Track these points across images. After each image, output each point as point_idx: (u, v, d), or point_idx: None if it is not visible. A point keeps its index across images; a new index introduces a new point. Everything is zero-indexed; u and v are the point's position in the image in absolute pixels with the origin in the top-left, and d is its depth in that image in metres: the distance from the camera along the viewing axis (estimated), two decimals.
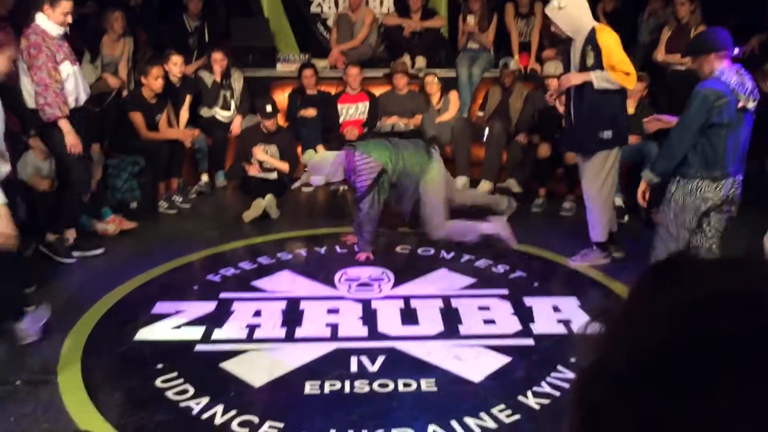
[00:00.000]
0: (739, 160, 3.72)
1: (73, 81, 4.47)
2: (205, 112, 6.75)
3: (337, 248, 5.11)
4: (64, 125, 4.43)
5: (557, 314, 4.02)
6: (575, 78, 4.43)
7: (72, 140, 4.45)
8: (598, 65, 4.31)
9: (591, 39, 4.34)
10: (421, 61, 7.34)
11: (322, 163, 4.98)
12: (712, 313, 0.47)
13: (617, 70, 4.27)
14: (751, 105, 3.61)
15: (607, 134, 4.33)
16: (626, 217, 5.54)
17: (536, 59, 7.33)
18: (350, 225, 5.24)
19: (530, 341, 3.71)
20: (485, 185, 6.42)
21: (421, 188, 4.85)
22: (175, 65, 6.28)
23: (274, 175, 6.19)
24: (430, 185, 4.85)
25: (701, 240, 3.81)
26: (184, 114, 6.46)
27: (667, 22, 6.52)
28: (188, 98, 6.46)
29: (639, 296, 0.53)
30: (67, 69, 4.42)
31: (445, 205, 4.93)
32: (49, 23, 4.40)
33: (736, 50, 3.82)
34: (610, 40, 4.33)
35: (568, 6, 4.36)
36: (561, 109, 5.22)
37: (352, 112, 6.87)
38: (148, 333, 3.79)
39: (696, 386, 0.46)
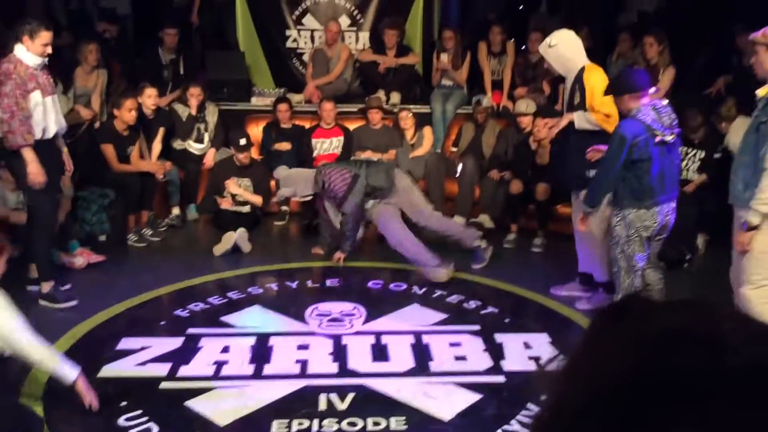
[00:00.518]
0: (669, 187, 3.93)
1: (42, 111, 4.39)
2: (178, 144, 6.72)
3: (309, 282, 5.07)
4: (27, 154, 4.32)
5: (528, 351, 4.01)
6: (563, 122, 4.51)
7: (33, 170, 4.33)
8: (584, 105, 4.35)
9: (579, 78, 4.39)
10: (395, 96, 7.41)
11: (292, 177, 5.34)
12: (672, 348, 0.47)
13: (598, 111, 4.29)
14: (670, 138, 3.81)
15: (593, 173, 4.24)
16: None
17: (508, 97, 7.42)
18: (319, 244, 5.55)
19: (501, 378, 3.69)
20: (458, 221, 6.43)
21: (376, 209, 5.14)
22: (149, 98, 6.26)
23: (246, 209, 6.16)
24: (382, 208, 5.12)
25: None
26: (157, 146, 6.42)
27: (636, 63, 6.65)
28: (161, 131, 6.43)
29: (597, 333, 0.53)
30: (36, 98, 4.35)
31: (400, 225, 5.15)
32: (28, 54, 4.34)
33: (653, 89, 3.98)
34: (595, 80, 4.35)
35: (559, 45, 4.41)
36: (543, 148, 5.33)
37: (327, 146, 6.88)
38: (112, 370, 3.71)
39: (654, 422, 0.45)
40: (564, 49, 4.41)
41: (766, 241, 3.33)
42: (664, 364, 0.47)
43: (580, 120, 4.39)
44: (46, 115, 4.43)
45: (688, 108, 5.78)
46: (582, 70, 4.39)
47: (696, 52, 7.43)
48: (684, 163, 5.85)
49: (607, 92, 4.14)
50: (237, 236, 5.63)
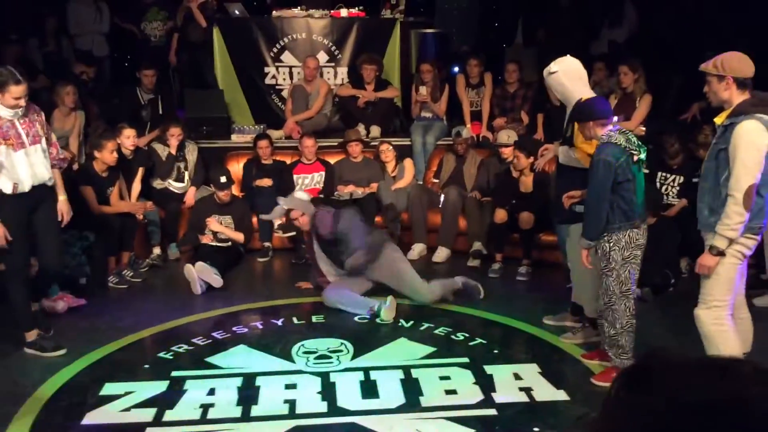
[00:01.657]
0: (646, 205, 4.03)
1: (11, 165, 4.19)
2: (158, 184, 6.68)
3: (295, 319, 5.01)
4: None
5: (518, 382, 3.97)
6: (549, 154, 4.56)
7: None
8: (572, 139, 4.29)
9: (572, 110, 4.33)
10: (375, 130, 7.44)
11: (293, 199, 5.46)
12: (700, 423, 0.45)
13: (580, 148, 4.24)
14: (643, 156, 3.88)
15: (580, 208, 4.19)
16: None
17: (488, 127, 7.49)
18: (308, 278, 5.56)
19: (493, 411, 3.64)
20: (442, 252, 6.43)
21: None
22: (128, 138, 6.23)
23: (227, 244, 6.12)
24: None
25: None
26: (137, 186, 6.37)
27: (612, 92, 6.75)
28: (141, 171, 6.39)
29: (620, 405, 0.51)
30: (1, 155, 4.16)
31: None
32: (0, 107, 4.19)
33: (615, 118, 4.07)
34: None
35: (560, 72, 4.31)
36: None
37: (308, 181, 6.88)
38: (96, 416, 3.60)
39: None
40: (564, 77, 4.32)
41: (724, 264, 3.41)
42: None
43: (562, 155, 4.39)
44: (15, 168, 4.21)
45: (665, 135, 5.86)
46: (579, 102, 4.24)
47: (670, 79, 7.57)
48: (663, 188, 5.91)
49: (572, 119, 4.18)
50: (197, 269, 5.54)
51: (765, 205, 3.37)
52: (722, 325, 3.49)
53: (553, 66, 4.34)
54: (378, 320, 4.93)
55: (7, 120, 4.21)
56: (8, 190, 4.23)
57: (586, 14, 8.57)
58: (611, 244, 3.87)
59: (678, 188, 5.84)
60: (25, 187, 4.29)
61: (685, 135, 6.15)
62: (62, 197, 4.56)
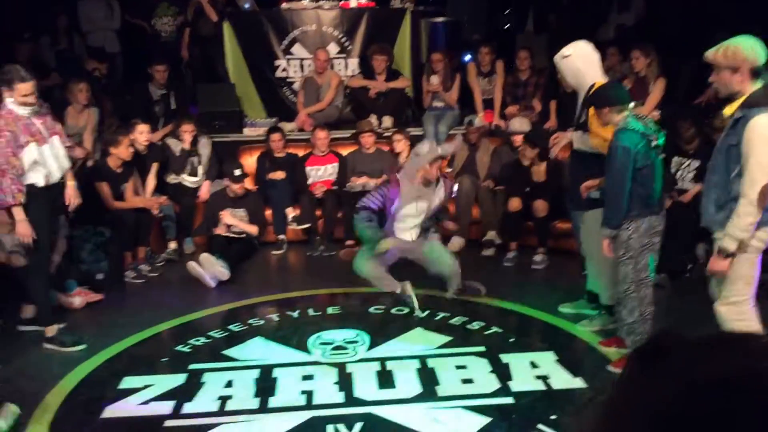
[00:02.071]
0: (663, 191, 4.00)
1: (42, 160, 4.34)
2: (172, 178, 6.70)
3: (310, 311, 5.02)
4: (17, 213, 4.26)
5: (535, 370, 3.96)
6: (563, 141, 4.48)
7: (21, 230, 4.25)
8: (587, 124, 4.23)
9: (587, 96, 4.28)
10: (387, 120, 7.43)
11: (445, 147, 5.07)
12: (712, 396, 0.45)
13: (596, 134, 4.17)
14: (661, 141, 3.85)
15: (596, 194, 4.19)
16: None
17: (500, 116, 7.46)
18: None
19: (509, 399, 3.64)
20: (457, 241, 6.42)
21: None
22: (141, 134, 6.26)
23: (241, 235, 6.15)
24: None
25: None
26: (151, 182, 6.41)
27: (626, 76, 6.70)
28: (155, 166, 6.42)
29: (633, 380, 0.51)
30: (32, 152, 4.27)
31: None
32: (16, 104, 4.27)
33: (632, 104, 3.98)
34: None
35: (574, 56, 4.28)
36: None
37: (321, 173, 6.88)
38: (115, 410, 3.64)
39: None
40: (578, 61, 4.29)
41: (741, 265, 3.24)
42: (707, 413, 0.45)
43: (578, 141, 4.34)
44: (46, 162, 4.38)
45: (680, 119, 5.80)
46: (591, 87, 4.24)
47: (682, 63, 7.49)
48: (679, 173, 5.86)
49: (588, 104, 4.14)
50: (202, 260, 5.56)
51: None
52: (745, 320, 3.32)
53: (567, 50, 4.30)
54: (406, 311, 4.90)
55: (26, 117, 4.30)
56: (41, 182, 4.36)
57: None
58: (630, 232, 3.82)
59: (694, 173, 5.79)
60: (56, 176, 4.45)
61: (700, 119, 6.08)
62: (71, 182, 4.66)
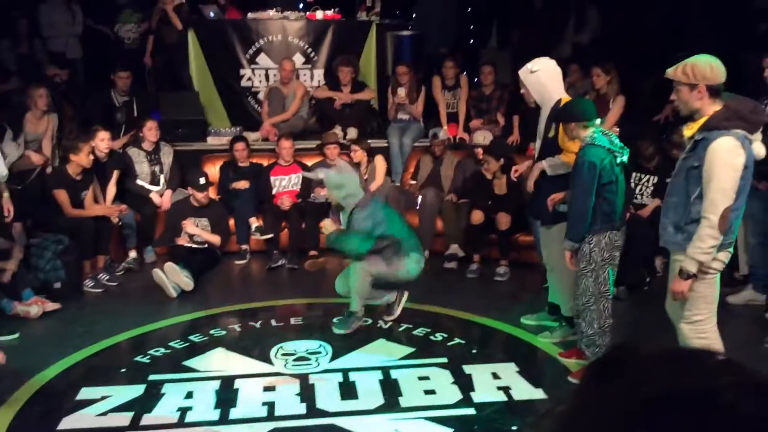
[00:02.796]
0: (624, 207, 4.05)
1: None
2: (133, 186, 6.61)
3: (273, 321, 4.99)
4: None
5: (496, 381, 4.00)
6: (535, 172, 4.47)
7: None
8: (557, 139, 4.28)
9: (555, 111, 4.31)
10: (352, 132, 7.44)
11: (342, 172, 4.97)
12: (668, 413, 0.46)
13: (567, 150, 4.22)
14: (625, 158, 3.94)
15: (563, 207, 4.23)
16: None
17: (464, 129, 7.53)
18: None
19: (471, 410, 3.67)
20: None
21: None
22: (102, 141, 6.16)
23: (203, 245, 6.09)
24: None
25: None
26: (111, 189, 6.31)
27: (586, 93, 6.82)
28: (115, 173, 6.33)
29: (589, 395, 0.51)
30: None
31: None
32: None
33: (598, 121, 4.06)
34: None
35: (540, 72, 4.34)
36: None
37: (285, 183, 6.86)
38: (72, 422, 3.57)
39: None
40: (544, 76, 4.36)
41: (701, 285, 3.27)
42: (660, 429, 0.46)
43: (553, 168, 4.35)
44: None
45: (640, 140, 5.92)
46: (559, 102, 4.33)
47: (641, 81, 7.66)
48: (638, 188, 5.98)
49: (556, 119, 4.22)
50: (166, 269, 5.50)
51: (734, 220, 3.17)
52: (707, 338, 3.34)
53: (534, 65, 4.36)
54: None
55: None
56: None
57: (553, 17, 8.66)
58: (592, 245, 3.89)
59: (652, 188, 5.92)
60: None
61: (659, 135, 6.23)
62: (6, 194, 4.59)
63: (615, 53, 7.39)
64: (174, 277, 5.50)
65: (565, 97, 4.42)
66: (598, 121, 4.06)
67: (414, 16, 9.19)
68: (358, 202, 4.76)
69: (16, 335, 4.41)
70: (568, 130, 4.01)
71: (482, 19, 9.79)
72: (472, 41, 10.00)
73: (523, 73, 4.43)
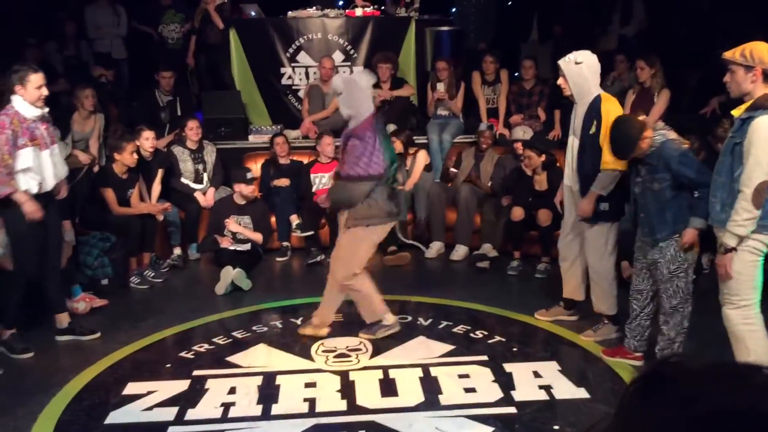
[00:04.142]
0: None
1: (38, 166, 4.30)
2: (177, 184, 6.73)
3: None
4: (18, 197, 4.24)
5: (538, 380, 3.97)
6: (587, 206, 4.34)
7: (29, 208, 4.25)
8: (599, 134, 4.26)
9: (595, 107, 4.30)
10: (391, 128, 7.43)
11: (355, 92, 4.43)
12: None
13: (607, 144, 4.16)
14: None
15: (605, 206, 4.31)
16: None
17: (504, 124, 7.47)
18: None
19: (512, 409, 3.65)
20: (460, 249, 6.43)
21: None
22: (147, 140, 6.29)
23: (247, 246, 6.15)
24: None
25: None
26: (156, 188, 6.44)
27: (631, 86, 6.72)
28: (160, 172, 6.45)
29: (629, 415, 0.51)
30: (28, 156, 4.24)
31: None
32: (24, 104, 4.26)
33: (660, 123, 4.02)
34: (614, 111, 4.24)
35: (584, 65, 4.32)
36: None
37: (325, 180, 6.90)
38: (119, 416, 3.65)
39: None
40: (587, 70, 4.33)
41: (744, 262, 3.31)
42: None
43: (604, 189, 4.29)
44: (43, 169, 4.34)
45: (686, 134, 5.79)
46: (598, 98, 4.31)
47: (686, 74, 7.50)
48: None
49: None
50: (234, 275, 5.60)
51: None
52: (752, 324, 3.39)
53: (579, 56, 4.32)
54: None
55: (32, 121, 4.29)
56: (34, 189, 4.33)
57: (598, 10, 8.54)
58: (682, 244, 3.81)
59: None
60: (49, 185, 4.42)
61: (704, 130, 6.09)
62: (64, 187, 4.66)
63: (660, 46, 7.26)
64: (239, 280, 5.58)
65: (604, 94, 4.38)
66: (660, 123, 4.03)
67: (454, 10, 9.14)
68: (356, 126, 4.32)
69: (31, 354, 4.44)
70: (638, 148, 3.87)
71: (523, 12, 9.69)
72: (512, 35, 9.91)
73: (564, 63, 4.37)
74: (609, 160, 4.17)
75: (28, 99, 4.28)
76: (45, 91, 4.32)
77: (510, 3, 9.84)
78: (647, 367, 0.54)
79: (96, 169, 6.41)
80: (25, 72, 4.27)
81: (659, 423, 0.48)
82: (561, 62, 4.40)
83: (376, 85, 7.53)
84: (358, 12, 8.06)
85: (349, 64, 8.06)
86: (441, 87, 7.40)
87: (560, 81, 4.44)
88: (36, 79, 4.27)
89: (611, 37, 8.45)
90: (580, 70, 4.31)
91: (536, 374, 4.03)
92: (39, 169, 4.33)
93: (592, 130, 4.30)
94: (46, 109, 4.39)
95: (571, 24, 8.48)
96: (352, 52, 8.05)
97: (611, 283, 4.48)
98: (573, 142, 4.50)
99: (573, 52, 4.38)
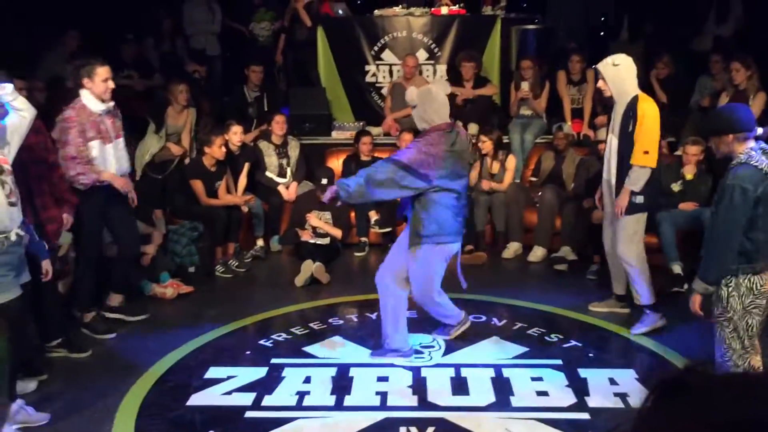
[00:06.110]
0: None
1: (101, 160, 4.44)
2: (262, 178, 6.93)
3: None
4: (108, 177, 4.41)
5: (614, 387, 3.90)
6: (623, 201, 4.54)
7: (119, 183, 4.46)
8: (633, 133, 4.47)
9: (633, 106, 4.47)
10: (473, 127, 7.41)
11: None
12: None
13: (639, 141, 4.39)
14: None
15: (639, 198, 4.51)
16: (685, 286, 5.37)
17: (589, 125, 7.32)
18: None
19: (585, 415, 3.60)
20: (538, 251, 6.36)
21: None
22: (235, 134, 6.51)
23: (326, 240, 6.28)
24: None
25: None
26: (243, 181, 6.66)
27: (724, 88, 6.46)
28: (246, 165, 6.67)
29: (649, 421, 0.52)
30: (95, 149, 4.39)
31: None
32: (91, 98, 4.37)
33: (760, 130, 3.36)
34: (649, 110, 4.46)
35: (622, 66, 4.51)
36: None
37: None
38: (200, 398, 3.83)
39: None
40: (624, 71, 4.51)
41: None
42: None
43: (636, 186, 4.49)
44: (106, 163, 4.48)
45: None
46: (636, 98, 4.49)
47: None
48: None
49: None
50: (314, 269, 5.73)
51: None
52: None
53: (617, 59, 4.52)
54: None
55: (98, 115, 4.44)
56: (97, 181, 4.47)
57: (693, 8, 8.23)
58: (730, 289, 3.16)
59: None
60: None
61: None
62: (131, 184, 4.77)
63: (758, 47, 6.94)
64: (318, 274, 5.72)
65: (642, 94, 4.56)
66: (760, 130, 3.43)
67: (546, 9, 9.00)
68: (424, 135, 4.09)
69: (114, 335, 4.68)
70: (722, 144, 3.20)
71: (614, 11, 9.44)
72: (602, 34, 9.67)
73: (602, 65, 4.56)
74: (639, 156, 4.41)
75: (96, 92, 4.37)
76: (111, 84, 4.42)
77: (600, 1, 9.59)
78: (669, 374, 0.55)
79: (187, 161, 6.68)
80: (93, 65, 4.36)
81: (679, 430, 0.49)
82: (599, 65, 4.62)
83: (459, 84, 7.56)
84: (444, 10, 8.07)
85: (432, 62, 8.08)
86: (525, 86, 7.33)
87: (600, 83, 4.63)
88: (103, 71, 4.37)
89: (706, 36, 8.12)
90: (618, 72, 4.50)
91: (612, 381, 3.96)
92: (103, 163, 4.47)
93: (630, 128, 4.44)
94: (112, 103, 4.50)
95: (663, 23, 8.21)
96: (436, 50, 8.07)
97: (642, 271, 4.62)
98: (612, 141, 4.65)
99: (611, 56, 4.61)
